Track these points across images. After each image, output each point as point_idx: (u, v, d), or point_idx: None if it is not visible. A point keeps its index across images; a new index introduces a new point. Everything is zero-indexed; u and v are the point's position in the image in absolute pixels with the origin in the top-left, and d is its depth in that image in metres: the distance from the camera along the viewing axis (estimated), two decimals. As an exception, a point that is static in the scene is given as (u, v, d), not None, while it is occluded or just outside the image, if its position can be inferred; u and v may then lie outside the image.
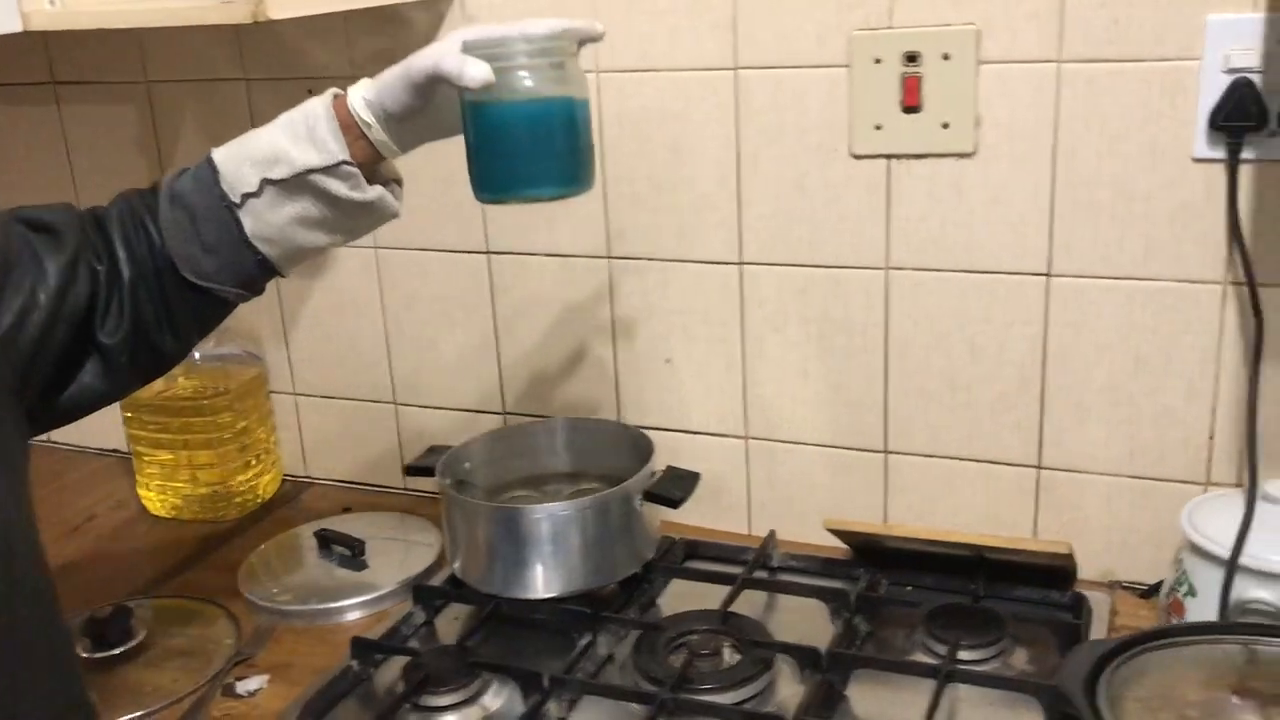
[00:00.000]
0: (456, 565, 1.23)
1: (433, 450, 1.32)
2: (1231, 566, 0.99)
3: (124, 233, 0.96)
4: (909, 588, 1.22)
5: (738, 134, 1.24)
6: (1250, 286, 1.07)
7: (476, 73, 0.88)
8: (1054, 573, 1.18)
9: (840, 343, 1.27)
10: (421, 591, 1.25)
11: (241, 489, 1.53)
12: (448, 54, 0.89)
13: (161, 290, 0.96)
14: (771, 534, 1.31)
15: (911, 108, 1.16)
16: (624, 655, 1.14)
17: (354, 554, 1.35)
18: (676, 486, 1.21)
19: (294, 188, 0.94)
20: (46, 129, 1.61)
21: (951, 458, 1.27)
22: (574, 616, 1.18)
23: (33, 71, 1.59)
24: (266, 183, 0.93)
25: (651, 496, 1.19)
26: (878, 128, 1.18)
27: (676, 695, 1.04)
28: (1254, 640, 0.84)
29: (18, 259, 0.90)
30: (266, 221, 0.95)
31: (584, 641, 1.15)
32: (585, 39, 0.96)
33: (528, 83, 0.91)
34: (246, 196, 0.94)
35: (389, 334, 1.50)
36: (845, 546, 1.29)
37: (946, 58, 1.13)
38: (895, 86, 1.16)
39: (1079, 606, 1.16)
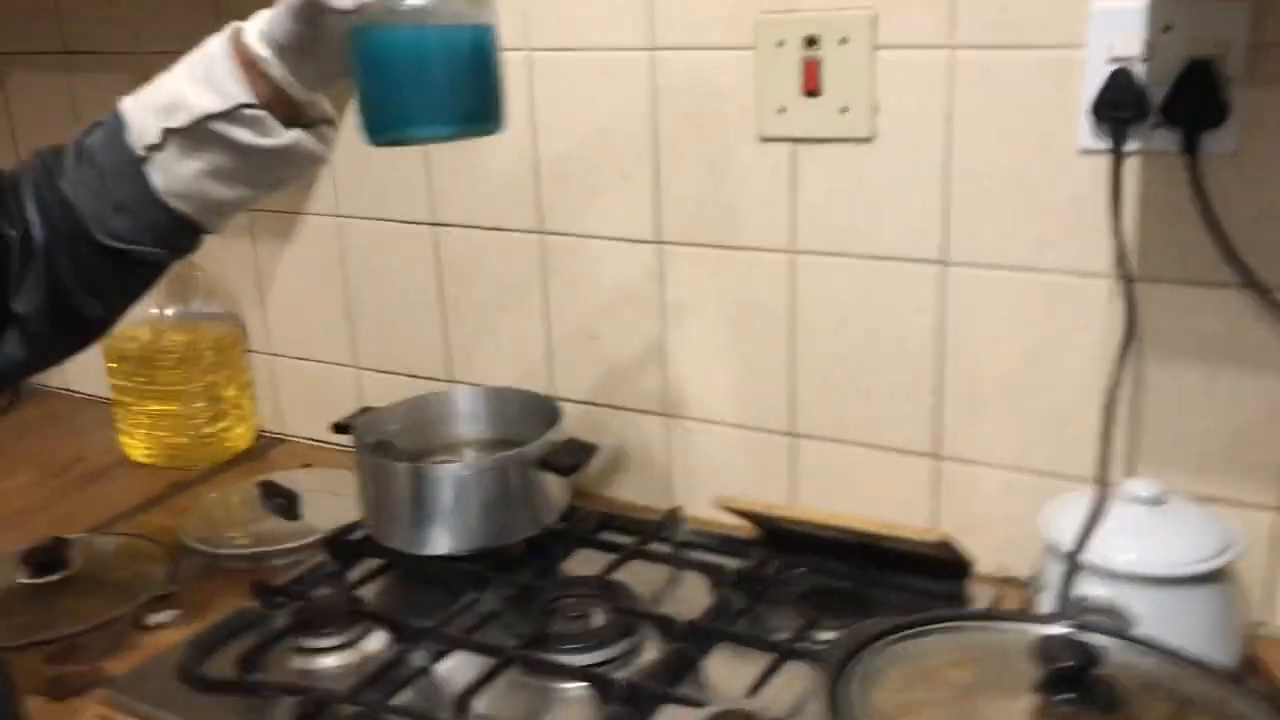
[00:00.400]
0: (368, 521, 1.29)
1: (364, 410, 1.38)
2: (1072, 562, 0.98)
3: (37, 194, 0.91)
4: (800, 569, 1.23)
5: (655, 115, 1.27)
6: (1125, 281, 1.05)
7: None
8: (948, 564, 1.18)
9: (751, 325, 1.29)
10: (333, 544, 1.31)
11: (211, 441, 1.62)
12: None
13: (77, 255, 0.91)
14: (675, 509, 1.33)
15: (812, 92, 1.17)
16: (504, 613, 1.18)
17: (289, 505, 1.42)
18: (570, 455, 1.24)
19: (197, 137, 0.86)
20: (57, 97, 1.72)
21: (855, 444, 1.27)
22: (464, 574, 1.22)
23: (47, 41, 1.71)
24: (168, 133, 0.86)
25: (543, 464, 1.23)
26: (781, 111, 1.19)
27: (527, 652, 1.07)
28: (1032, 626, 0.83)
29: None
30: (176, 176, 0.88)
31: (469, 598, 1.19)
32: None
33: (406, 3, 0.81)
34: (150, 149, 0.87)
35: (350, 302, 1.57)
36: (755, 527, 1.30)
37: (844, 42, 1.14)
38: (797, 70, 1.17)
39: (958, 597, 1.15)
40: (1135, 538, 0.98)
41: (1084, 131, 1.05)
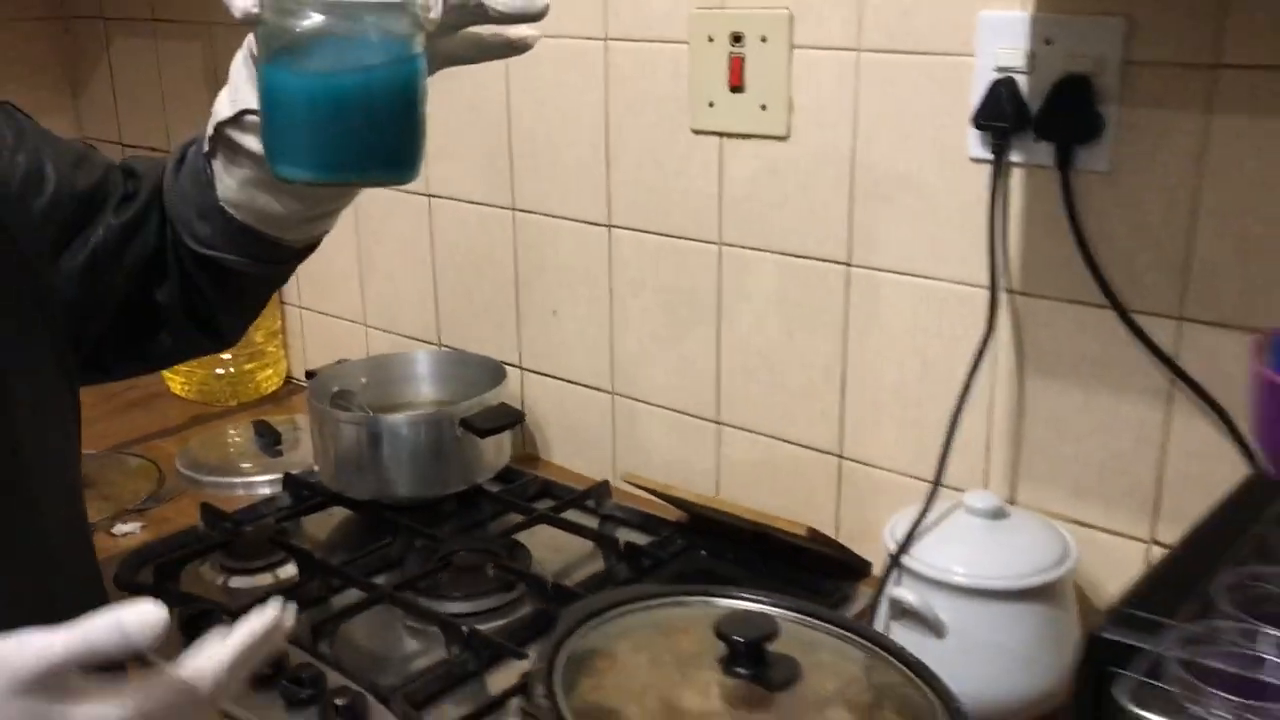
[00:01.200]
0: (317, 464, 1.40)
1: (339, 362, 1.49)
2: (893, 564, 0.99)
3: (154, 197, 0.88)
4: (701, 552, 1.27)
5: (607, 102, 1.32)
6: (991, 291, 1.04)
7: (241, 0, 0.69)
8: (842, 563, 1.19)
9: (684, 312, 1.32)
10: (289, 481, 1.42)
11: (240, 381, 1.76)
12: None
13: (180, 260, 0.88)
14: (603, 483, 1.38)
15: (737, 87, 1.20)
16: (405, 558, 1.26)
17: (272, 443, 1.54)
18: (491, 420, 1.31)
19: (227, 144, 0.80)
20: (147, 60, 1.91)
21: (770, 437, 1.29)
22: (387, 521, 1.31)
23: (138, 7, 1.89)
24: (211, 140, 0.80)
25: (465, 424, 1.30)
26: (711, 105, 1.22)
27: (398, 593, 1.15)
28: (731, 603, 0.84)
29: (105, 202, 0.87)
30: (226, 184, 0.81)
31: (384, 541, 1.28)
32: None
33: (308, 24, 0.69)
34: (208, 156, 0.82)
35: (362, 264, 1.68)
36: (682, 510, 1.34)
37: (764, 40, 1.16)
38: (724, 66, 1.20)
39: (833, 594, 1.16)
40: (959, 546, 0.97)
41: (973, 140, 1.05)
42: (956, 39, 1.04)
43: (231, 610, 1.12)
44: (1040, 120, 0.99)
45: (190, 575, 1.24)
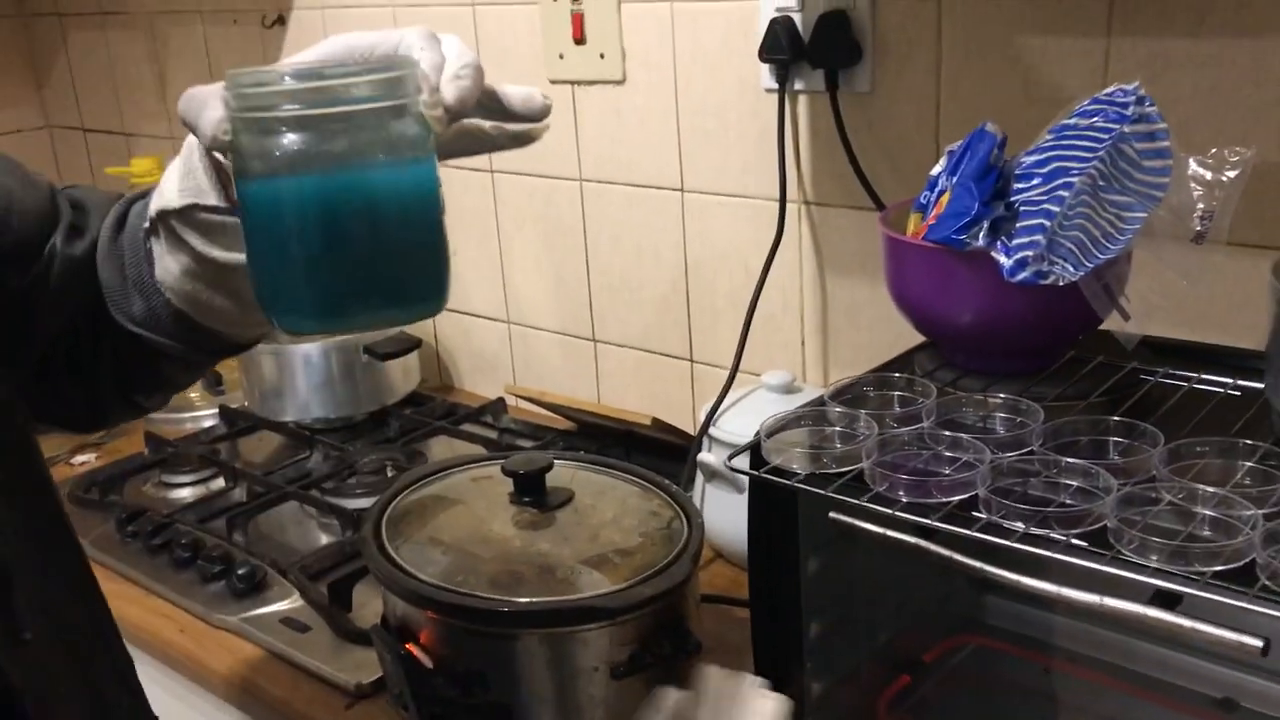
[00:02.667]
0: (246, 395, 1.58)
1: (269, 307, 1.67)
2: (701, 434, 1.16)
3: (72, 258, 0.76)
4: (581, 451, 1.44)
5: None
6: (781, 204, 1.21)
7: (208, 125, 0.60)
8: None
9: (558, 243, 1.50)
10: (224, 411, 1.61)
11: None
12: (201, 94, 0.62)
13: (95, 328, 0.77)
14: (498, 399, 1.56)
15: (579, 40, 1.37)
16: (317, 466, 1.45)
17: (215, 383, 1.73)
18: (390, 346, 1.50)
19: (169, 231, 0.70)
20: (99, 55, 2.09)
21: (636, 349, 1.47)
22: (304, 439, 1.50)
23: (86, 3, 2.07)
24: (153, 219, 0.70)
25: (368, 350, 1.49)
26: (561, 57, 1.39)
27: (304, 490, 1.34)
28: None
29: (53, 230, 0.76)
30: (165, 267, 0.71)
31: (302, 454, 1.47)
32: (450, 82, 0.63)
33: (286, 146, 0.58)
34: (148, 232, 0.72)
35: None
36: (571, 421, 1.52)
37: (598, -3, 1.33)
38: (568, 21, 1.37)
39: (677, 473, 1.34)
40: (754, 416, 1.14)
41: (765, 73, 1.21)
42: (745, -14, 1.21)
43: (164, 512, 1.32)
44: (812, 51, 1.16)
45: (133, 490, 1.43)
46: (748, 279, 1.31)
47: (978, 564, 0.64)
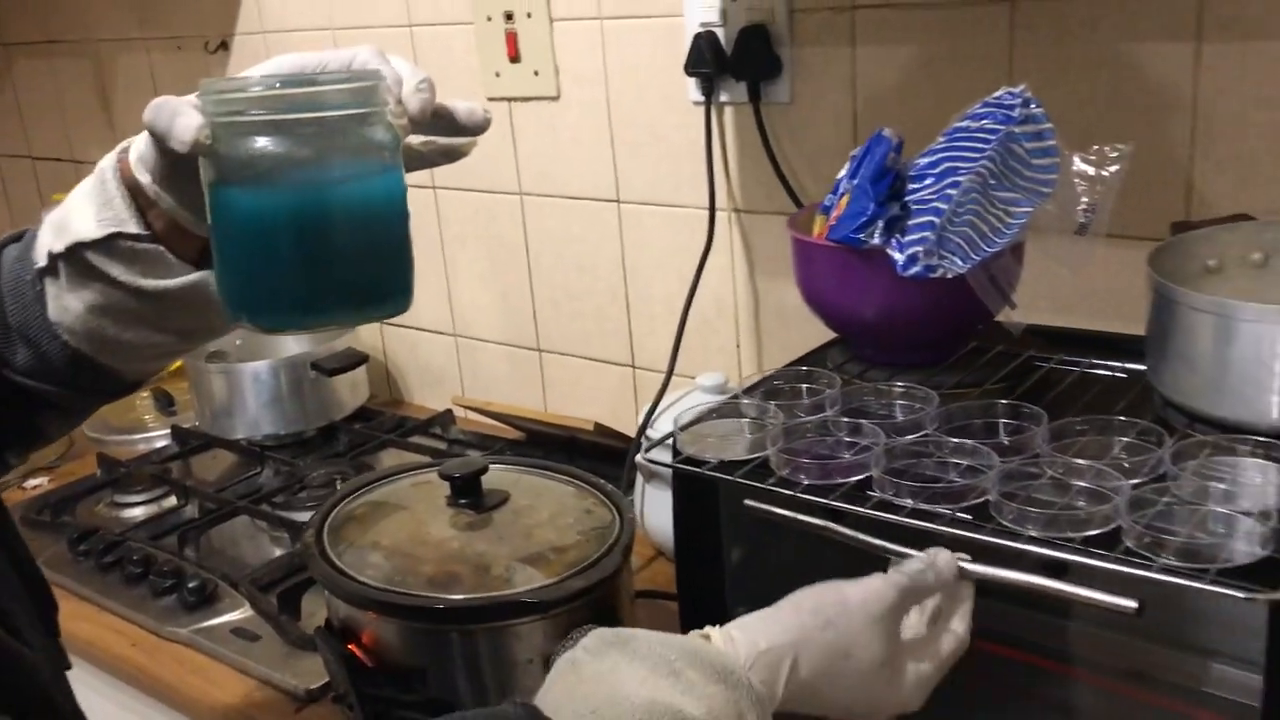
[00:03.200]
0: (198, 415, 1.61)
1: (219, 328, 1.70)
2: (639, 435, 1.20)
3: None
4: (517, 456, 1.47)
5: (418, 81, 1.52)
6: (710, 212, 1.25)
7: (184, 130, 0.61)
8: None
9: (501, 256, 1.53)
10: (176, 431, 1.63)
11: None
12: (171, 103, 0.63)
13: None
14: (446, 411, 1.60)
15: (514, 58, 1.41)
16: (268, 482, 1.47)
17: (168, 405, 1.75)
18: (338, 362, 1.52)
19: (78, 266, 0.69)
20: (46, 83, 2.11)
21: (579, 357, 1.50)
22: (255, 455, 1.52)
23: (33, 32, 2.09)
24: (54, 257, 0.70)
25: (315, 366, 1.51)
26: (497, 75, 1.43)
27: (254, 505, 1.36)
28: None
29: None
30: (64, 306, 0.71)
31: (253, 470, 1.50)
32: (418, 93, 0.66)
33: (265, 149, 0.60)
34: (42, 273, 0.71)
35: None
36: (517, 429, 1.55)
37: (530, 16, 1.37)
38: (502, 40, 1.41)
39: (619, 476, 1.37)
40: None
41: (691, 86, 1.26)
42: (669, 3, 1.25)
43: (116, 531, 1.34)
44: (734, 64, 1.20)
45: (85, 511, 1.45)
46: (683, 285, 1.35)
47: (878, 541, 0.68)
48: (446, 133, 0.71)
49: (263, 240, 0.61)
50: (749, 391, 0.84)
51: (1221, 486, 0.62)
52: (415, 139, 0.71)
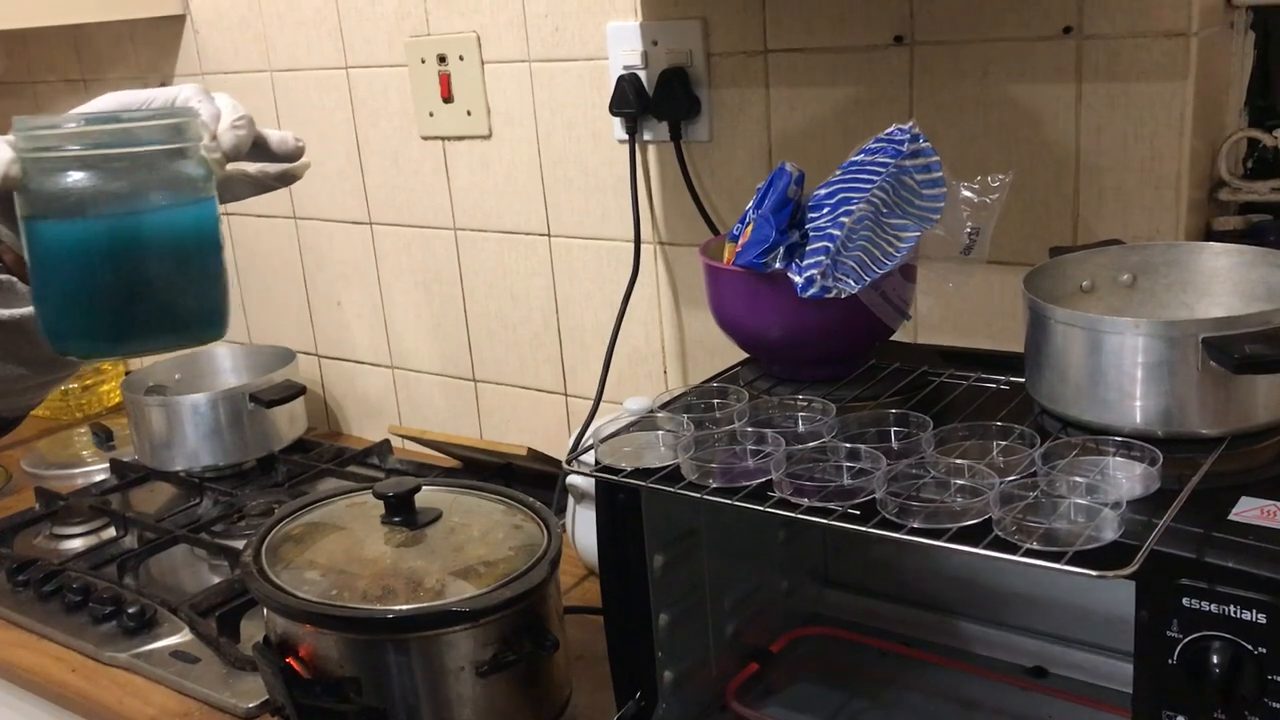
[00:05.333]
0: (136, 448, 1.63)
1: (153, 364, 1.73)
2: (568, 459, 1.25)
3: None
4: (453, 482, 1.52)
5: (354, 120, 1.58)
6: (636, 244, 1.31)
7: None
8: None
9: (436, 290, 1.58)
10: (115, 465, 1.65)
11: (85, 397, 1.98)
12: None
13: None
14: (383, 441, 1.63)
15: (447, 99, 1.46)
16: (207, 511, 1.50)
17: (106, 439, 1.77)
18: (276, 393, 1.56)
19: None
20: None
21: (514, 386, 1.55)
22: (194, 486, 1.55)
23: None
24: None
25: (253, 398, 1.55)
26: (431, 115, 1.49)
27: (192, 534, 1.39)
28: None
29: None
30: None
31: (192, 501, 1.52)
32: (233, 129, 0.69)
33: (75, 184, 0.63)
34: None
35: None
36: (453, 457, 1.59)
37: (462, 58, 1.43)
38: (436, 82, 1.46)
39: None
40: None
41: (616, 125, 1.32)
42: (594, 46, 1.32)
43: (55, 561, 1.36)
44: (656, 104, 1.27)
45: (24, 543, 1.47)
46: (612, 314, 1.41)
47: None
48: (268, 160, 0.75)
49: (73, 272, 0.63)
50: (664, 407, 0.89)
51: (1084, 481, 0.69)
52: (251, 167, 0.75)
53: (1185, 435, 0.74)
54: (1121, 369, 0.74)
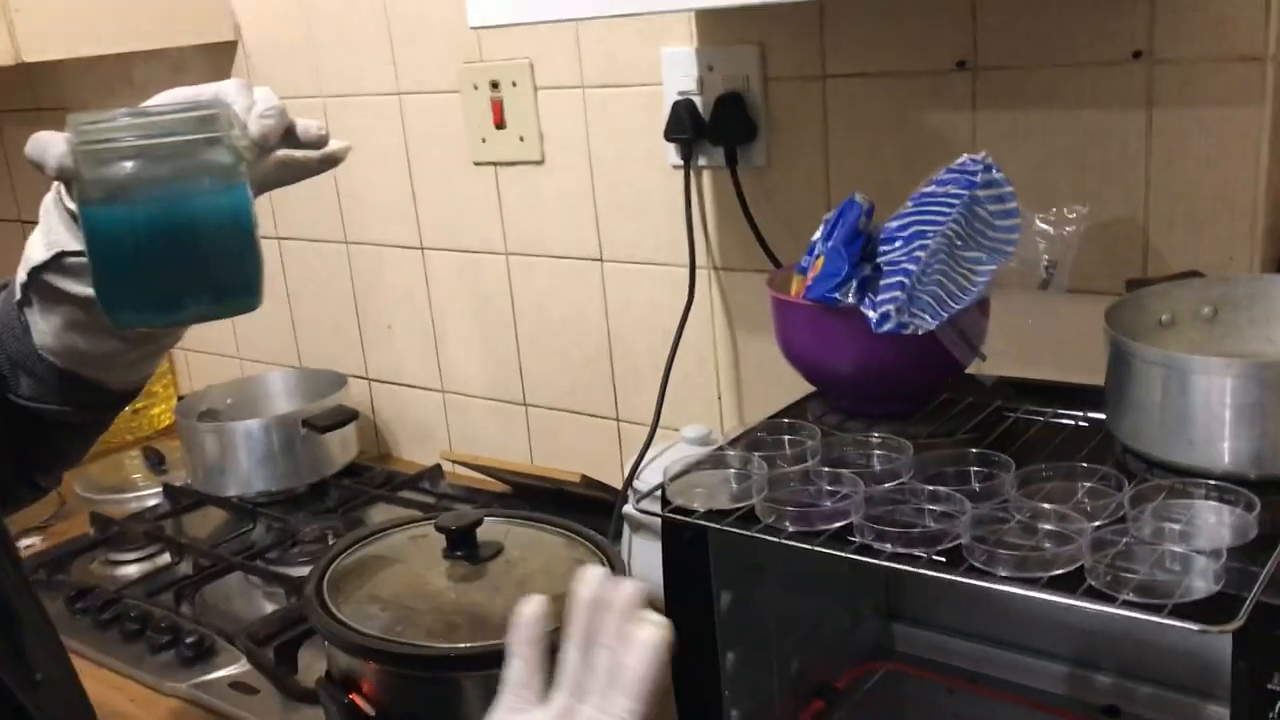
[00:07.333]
0: (190, 473, 1.63)
1: (208, 389, 1.73)
2: (625, 486, 1.24)
3: None
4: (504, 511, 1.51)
5: (406, 145, 1.58)
6: (691, 270, 1.30)
7: (52, 157, 0.70)
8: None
9: (488, 314, 1.58)
10: (168, 490, 1.66)
11: (136, 420, 1.99)
12: (45, 136, 0.71)
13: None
14: (435, 466, 1.63)
15: (499, 125, 1.46)
16: (261, 538, 1.50)
17: (158, 463, 1.78)
18: (330, 419, 1.56)
19: (41, 290, 0.77)
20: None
21: (565, 410, 1.54)
22: (247, 512, 1.55)
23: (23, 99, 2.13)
24: (24, 287, 0.78)
25: (306, 423, 1.55)
26: (484, 140, 1.49)
27: (248, 561, 1.39)
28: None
29: None
30: (42, 330, 0.79)
31: (246, 527, 1.52)
32: (261, 120, 0.74)
33: (118, 172, 0.69)
34: (20, 304, 0.80)
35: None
36: (505, 482, 1.59)
37: (515, 85, 1.43)
38: (488, 108, 1.46)
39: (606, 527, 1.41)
40: (675, 470, 1.22)
41: (670, 151, 1.31)
42: (649, 72, 1.31)
43: (112, 589, 1.36)
44: (712, 130, 1.26)
45: (80, 569, 1.47)
46: (664, 340, 1.39)
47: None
48: (306, 147, 0.79)
49: (118, 250, 0.70)
50: (733, 443, 0.88)
51: (1177, 527, 0.67)
52: (299, 152, 0.80)
53: (1278, 478, 0.72)
54: (1210, 409, 0.72)
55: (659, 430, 1.35)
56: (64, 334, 0.79)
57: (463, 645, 0.92)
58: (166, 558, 1.48)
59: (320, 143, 0.79)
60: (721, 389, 1.38)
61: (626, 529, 1.25)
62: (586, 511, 1.40)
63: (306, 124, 0.78)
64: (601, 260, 1.43)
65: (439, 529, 1.01)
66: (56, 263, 0.75)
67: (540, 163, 1.44)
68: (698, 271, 1.33)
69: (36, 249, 0.76)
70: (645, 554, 1.22)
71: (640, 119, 1.34)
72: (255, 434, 1.56)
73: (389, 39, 1.54)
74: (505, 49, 1.43)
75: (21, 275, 0.78)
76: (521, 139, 1.45)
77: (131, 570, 1.47)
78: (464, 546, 1.01)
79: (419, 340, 1.67)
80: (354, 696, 0.94)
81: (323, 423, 1.55)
